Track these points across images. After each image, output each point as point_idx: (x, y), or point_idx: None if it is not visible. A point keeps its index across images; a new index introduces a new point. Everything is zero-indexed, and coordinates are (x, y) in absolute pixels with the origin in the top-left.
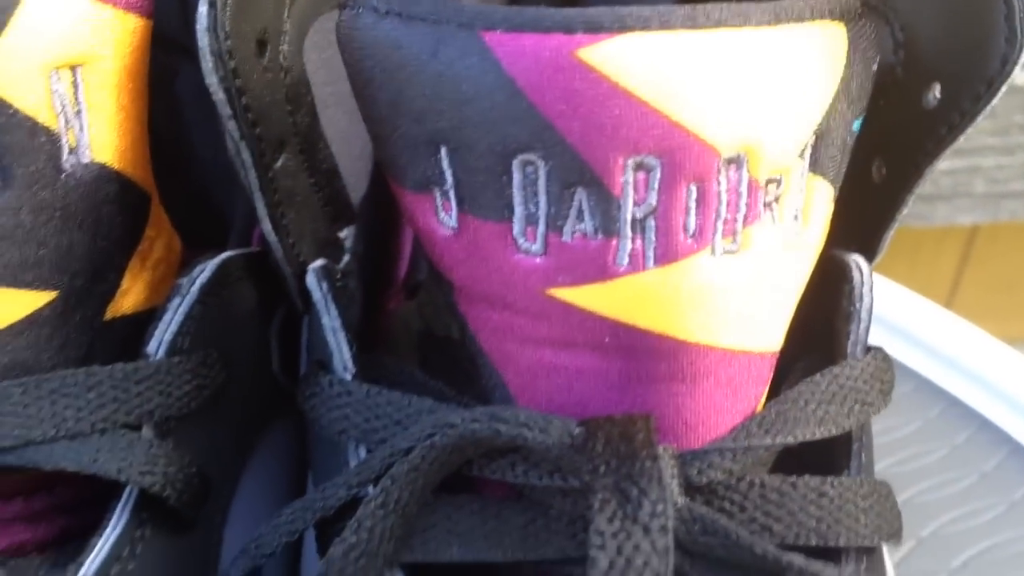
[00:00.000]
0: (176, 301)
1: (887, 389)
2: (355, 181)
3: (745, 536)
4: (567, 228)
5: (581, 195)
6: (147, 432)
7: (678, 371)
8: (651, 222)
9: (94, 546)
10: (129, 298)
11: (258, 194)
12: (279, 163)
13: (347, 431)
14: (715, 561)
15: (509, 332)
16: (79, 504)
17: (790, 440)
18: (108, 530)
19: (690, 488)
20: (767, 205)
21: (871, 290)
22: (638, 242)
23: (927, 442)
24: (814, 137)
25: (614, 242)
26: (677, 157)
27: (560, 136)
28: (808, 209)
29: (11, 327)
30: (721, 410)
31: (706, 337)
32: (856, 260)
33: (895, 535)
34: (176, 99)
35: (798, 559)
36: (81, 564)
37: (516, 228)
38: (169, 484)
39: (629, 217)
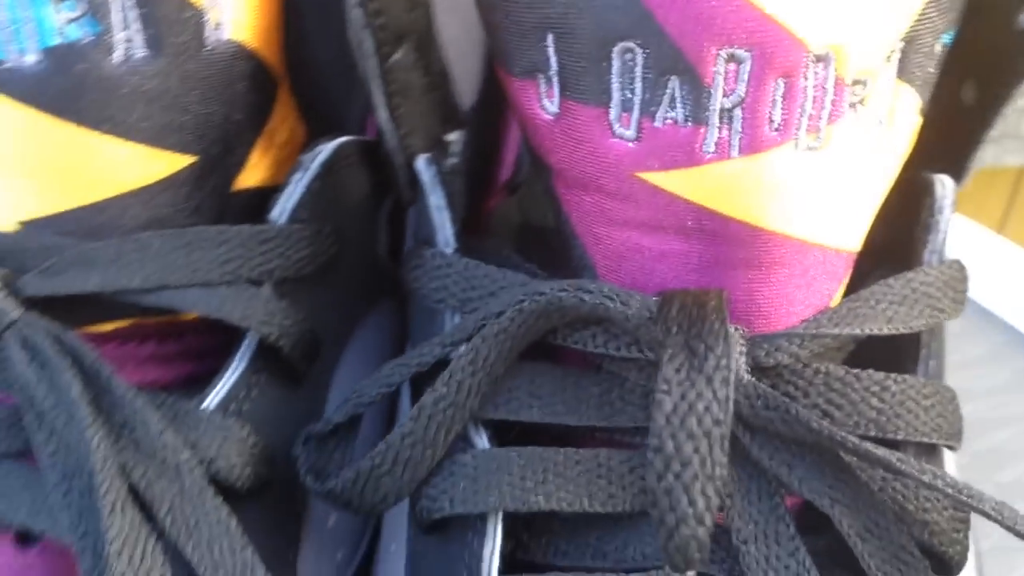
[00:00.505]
0: (298, 175)
1: (960, 298)
2: (466, 90)
3: (804, 413)
4: (659, 114)
5: (674, 83)
6: (267, 289)
7: (755, 258)
8: (738, 113)
9: (216, 385)
10: (255, 173)
11: (376, 81)
12: (397, 56)
13: (445, 300)
14: (774, 435)
15: (600, 215)
16: (203, 352)
17: (858, 332)
18: (228, 373)
19: (756, 369)
20: (852, 106)
21: (952, 204)
22: (725, 131)
23: (1015, 392)
24: (902, 43)
25: (702, 130)
26: (767, 50)
27: (658, 25)
28: (893, 114)
29: (155, 185)
30: (794, 300)
31: (784, 227)
32: (940, 177)
33: (954, 437)
34: None
35: (854, 438)
36: (204, 398)
37: (613, 113)
38: (284, 336)
39: (718, 107)
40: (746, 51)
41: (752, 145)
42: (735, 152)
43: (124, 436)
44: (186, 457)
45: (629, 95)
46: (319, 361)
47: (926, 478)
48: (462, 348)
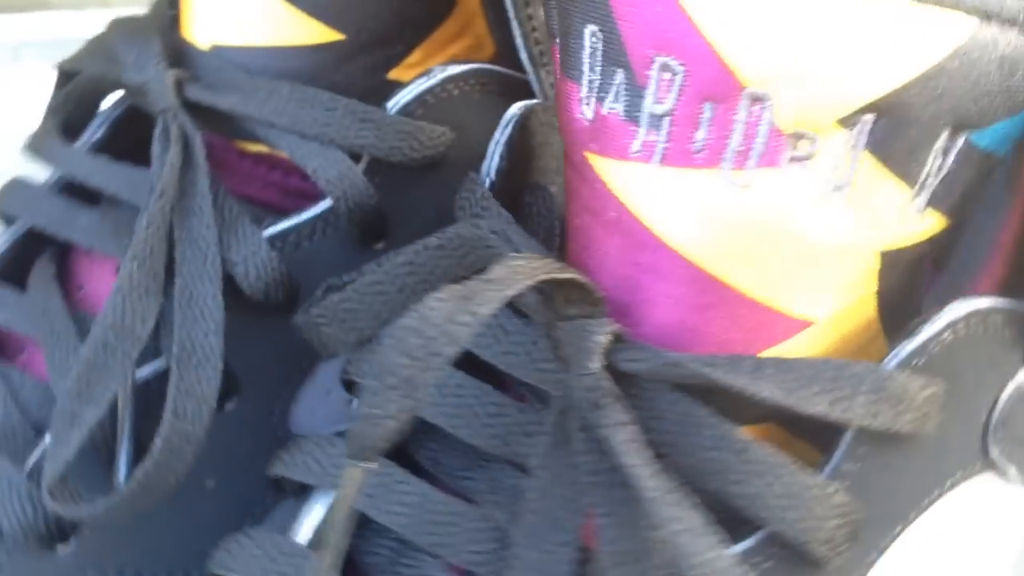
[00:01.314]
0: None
1: (884, 417)
2: None
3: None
4: (606, 102)
5: (620, 76)
6: (360, 164)
7: (655, 269)
8: (667, 122)
9: (283, 219)
10: (412, 71)
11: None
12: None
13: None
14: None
15: (569, 184)
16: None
17: (729, 384)
18: (297, 215)
19: (609, 368)
20: (795, 160)
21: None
22: (652, 136)
23: None
24: (872, 114)
25: (632, 128)
26: (699, 72)
27: (613, 17)
28: (859, 189)
29: (307, 47)
30: (686, 325)
31: (688, 249)
32: None
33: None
34: None
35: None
36: (268, 225)
37: (583, 91)
38: (354, 208)
39: (648, 110)
40: (680, 65)
41: (673, 158)
42: (656, 159)
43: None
44: (214, 252)
45: (592, 77)
46: (387, 241)
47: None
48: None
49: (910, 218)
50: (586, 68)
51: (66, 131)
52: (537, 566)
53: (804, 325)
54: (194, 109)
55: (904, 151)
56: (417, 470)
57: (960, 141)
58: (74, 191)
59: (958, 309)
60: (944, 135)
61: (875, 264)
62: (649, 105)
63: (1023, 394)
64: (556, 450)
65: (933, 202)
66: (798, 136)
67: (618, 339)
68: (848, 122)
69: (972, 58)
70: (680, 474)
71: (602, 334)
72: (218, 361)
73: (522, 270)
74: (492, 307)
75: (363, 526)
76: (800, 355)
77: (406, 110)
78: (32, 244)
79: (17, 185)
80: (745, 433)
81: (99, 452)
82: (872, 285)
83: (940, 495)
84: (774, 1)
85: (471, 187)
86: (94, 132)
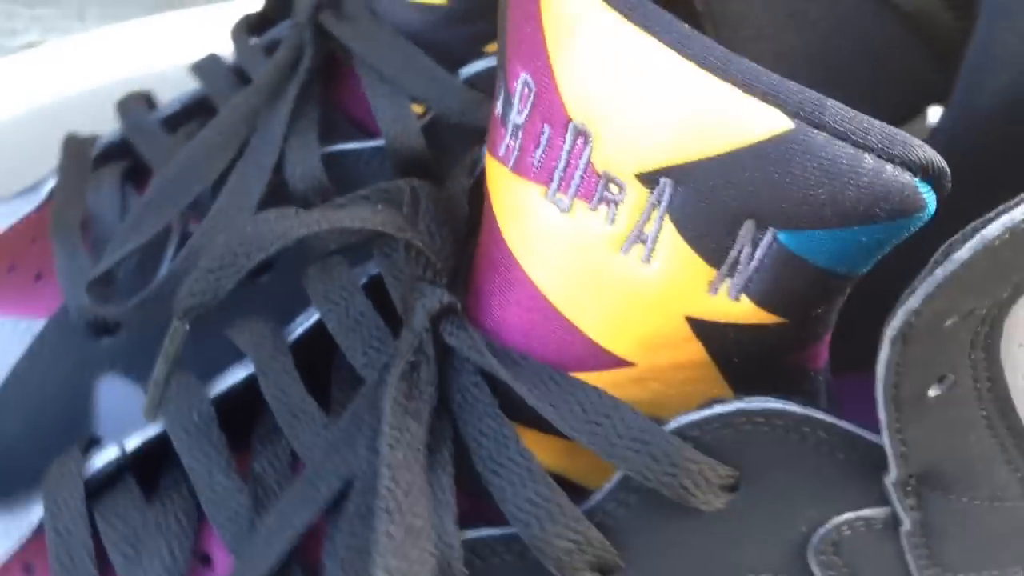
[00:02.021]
0: None
1: (653, 478)
2: None
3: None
4: (498, 101)
5: (501, 79)
6: (424, 120)
7: (498, 265)
8: (520, 134)
9: None
10: None
11: None
12: None
13: None
14: None
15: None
16: None
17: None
18: None
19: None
20: (607, 201)
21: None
22: (511, 143)
23: None
24: (671, 180)
25: (502, 130)
26: (543, 94)
27: (505, 24)
28: (663, 255)
29: (414, 4)
30: (513, 326)
31: (522, 257)
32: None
33: None
34: None
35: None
36: None
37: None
38: (407, 153)
39: (512, 119)
40: (533, 83)
41: (520, 169)
42: (510, 165)
43: None
44: (274, 149)
45: (497, 75)
46: None
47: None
48: None
49: (719, 298)
50: (499, 66)
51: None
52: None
53: (627, 364)
54: (322, 33)
55: (702, 228)
56: None
57: (767, 236)
58: None
59: (741, 402)
60: (748, 224)
61: (685, 329)
62: (513, 114)
63: (867, 527)
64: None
65: (749, 292)
66: (608, 178)
67: (449, 311)
68: (647, 180)
69: (775, 156)
70: (454, 448)
71: (433, 301)
72: (253, 207)
73: (367, 218)
74: (310, 229)
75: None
76: (620, 391)
77: (473, 79)
78: None
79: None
80: (519, 432)
81: (146, 272)
82: (695, 347)
83: None
84: (603, 46)
85: None
86: None
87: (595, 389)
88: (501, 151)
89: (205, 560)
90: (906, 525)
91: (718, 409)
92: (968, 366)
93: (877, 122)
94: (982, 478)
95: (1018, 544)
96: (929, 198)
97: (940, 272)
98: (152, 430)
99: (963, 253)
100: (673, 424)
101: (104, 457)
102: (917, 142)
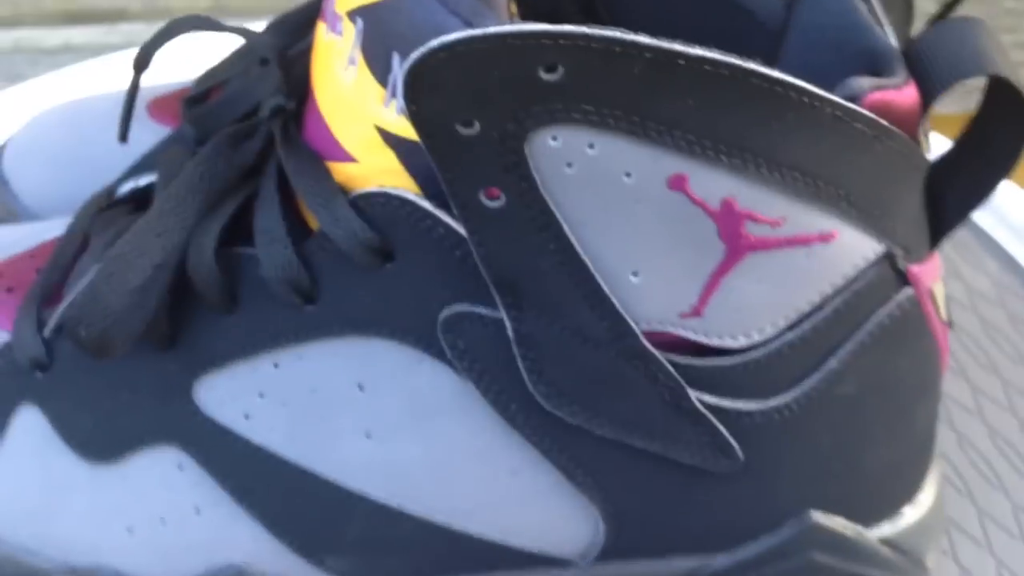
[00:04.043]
0: None
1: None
2: None
3: None
4: None
5: None
6: None
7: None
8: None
9: None
10: None
11: None
12: None
13: None
14: None
15: None
16: None
17: None
18: None
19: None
20: (337, 31)
21: None
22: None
23: None
24: (361, 19)
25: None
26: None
27: None
28: (359, 74)
29: None
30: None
31: (314, 82)
32: None
33: None
34: None
35: None
36: None
37: None
38: None
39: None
40: None
41: (324, 18)
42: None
43: None
44: None
45: None
46: None
47: None
48: None
49: (391, 112)
50: None
51: None
52: None
53: (353, 160)
54: None
55: (375, 55)
56: None
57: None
58: None
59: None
60: (396, 57)
61: (377, 137)
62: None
63: (481, 323)
64: None
65: (400, 110)
66: (337, 16)
67: (285, 111)
68: (352, 17)
69: (404, 8)
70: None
71: (277, 100)
72: None
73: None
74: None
75: None
76: (353, 183)
77: None
78: None
79: None
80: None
81: None
82: (389, 155)
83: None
84: None
85: None
86: None
87: (330, 178)
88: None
89: None
90: (510, 332)
91: (375, 189)
92: (513, 189)
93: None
94: (562, 309)
95: (610, 391)
96: None
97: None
98: None
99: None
100: (351, 195)
101: None
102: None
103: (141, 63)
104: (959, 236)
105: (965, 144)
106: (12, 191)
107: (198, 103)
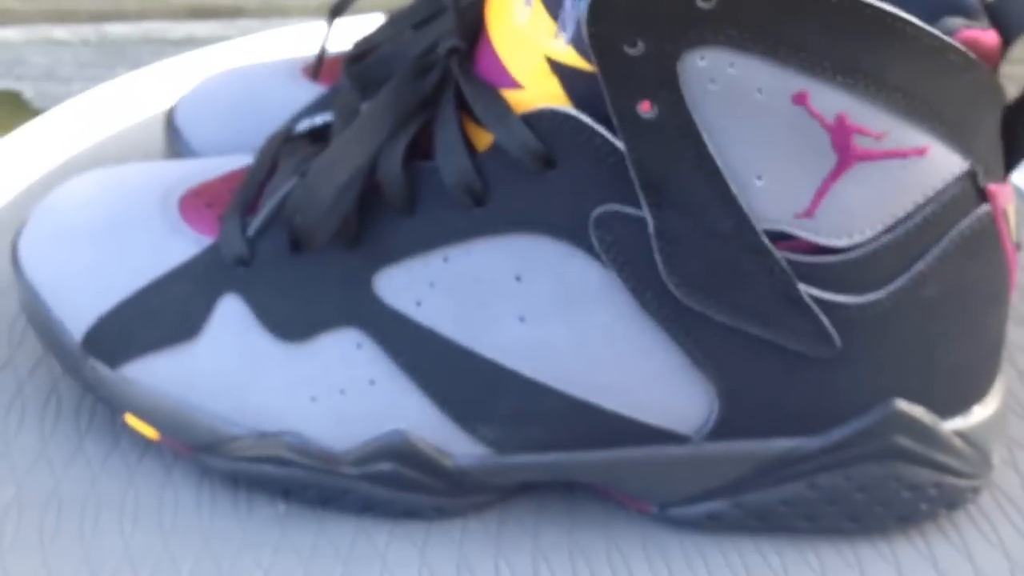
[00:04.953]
0: None
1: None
2: None
3: None
4: None
5: None
6: None
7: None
8: None
9: None
10: None
11: None
12: None
13: None
14: None
15: None
16: None
17: None
18: None
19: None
20: None
21: None
22: None
23: None
24: None
25: None
26: None
27: None
28: (535, 14)
29: None
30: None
31: (489, 27)
32: None
33: None
34: None
35: None
36: None
37: None
38: None
39: None
40: None
41: None
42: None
43: None
44: None
45: None
46: None
47: None
48: None
49: (560, 42)
50: None
51: None
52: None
53: (520, 86)
54: None
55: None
56: None
57: (579, 2)
58: None
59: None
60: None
61: (546, 66)
62: None
63: (626, 220)
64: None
65: (568, 40)
66: None
67: (459, 51)
68: None
69: None
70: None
71: (453, 42)
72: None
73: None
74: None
75: None
76: (520, 106)
77: None
78: None
79: None
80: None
81: None
82: (555, 82)
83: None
84: None
85: None
86: None
87: (504, 100)
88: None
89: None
90: (650, 227)
91: (543, 107)
92: (664, 102)
93: None
94: (697, 207)
95: (731, 282)
96: None
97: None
98: None
99: None
100: (522, 113)
101: None
102: None
103: (337, 10)
104: (1021, 207)
105: None
106: (184, 140)
107: (356, 62)
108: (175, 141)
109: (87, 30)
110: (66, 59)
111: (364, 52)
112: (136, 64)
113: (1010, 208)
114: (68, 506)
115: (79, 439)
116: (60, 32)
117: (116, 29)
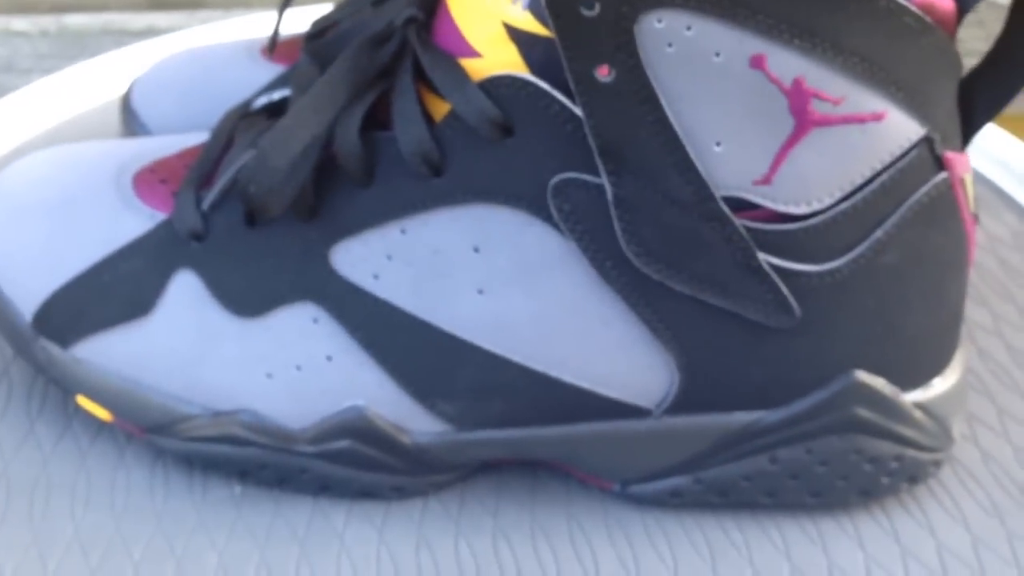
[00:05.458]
0: None
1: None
2: None
3: None
4: None
5: None
6: None
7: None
8: None
9: None
10: None
11: None
12: None
13: None
14: None
15: None
16: None
17: None
18: None
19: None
20: None
21: None
22: None
23: None
24: None
25: None
26: None
27: None
28: None
29: None
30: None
31: None
32: None
33: None
34: None
35: None
36: None
37: None
38: None
39: None
40: None
41: None
42: None
43: None
44: None
45: None
46: None
47: None
48: None
49: (517, 8)
50: None
51: None
52: None
53: (479, 55)
54: None
55: None
56: None
57: None
58: None
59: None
60: None
61: (503, 32)
62: None
63: (585, 188)
64: None
65: (526, 6)
66: None
67: (416, 20)
68: None
69: None
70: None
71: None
72: None
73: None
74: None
75: None
76: (477, 74)
77: None
78: None
79: None
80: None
81: None
82: (512, 49)
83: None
84: None
85: None
86: None
87: (461, 68)
88: None
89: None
90: (609, 195)
91: (500, 73)
92: (621, 66)
93: None
94: (655, 174)
95: (690, 250)
96: None
97: None
98: None
99: None
100: (479, 80)
101: None
102: None
103: None
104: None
105: (992, 58)
106: (141, 121)
107: (315, 40)
108: (131, 122)
109: (47, 21)
110: (25, 50)
111: (323, 30)
112: (96, 56)
113: (967, 178)
114: (17, 489)
115: (30, 422)
116: (19, 23)
117: (76, 20)
